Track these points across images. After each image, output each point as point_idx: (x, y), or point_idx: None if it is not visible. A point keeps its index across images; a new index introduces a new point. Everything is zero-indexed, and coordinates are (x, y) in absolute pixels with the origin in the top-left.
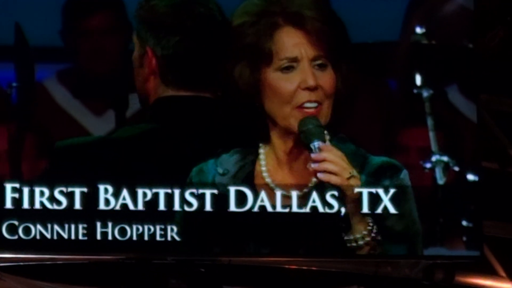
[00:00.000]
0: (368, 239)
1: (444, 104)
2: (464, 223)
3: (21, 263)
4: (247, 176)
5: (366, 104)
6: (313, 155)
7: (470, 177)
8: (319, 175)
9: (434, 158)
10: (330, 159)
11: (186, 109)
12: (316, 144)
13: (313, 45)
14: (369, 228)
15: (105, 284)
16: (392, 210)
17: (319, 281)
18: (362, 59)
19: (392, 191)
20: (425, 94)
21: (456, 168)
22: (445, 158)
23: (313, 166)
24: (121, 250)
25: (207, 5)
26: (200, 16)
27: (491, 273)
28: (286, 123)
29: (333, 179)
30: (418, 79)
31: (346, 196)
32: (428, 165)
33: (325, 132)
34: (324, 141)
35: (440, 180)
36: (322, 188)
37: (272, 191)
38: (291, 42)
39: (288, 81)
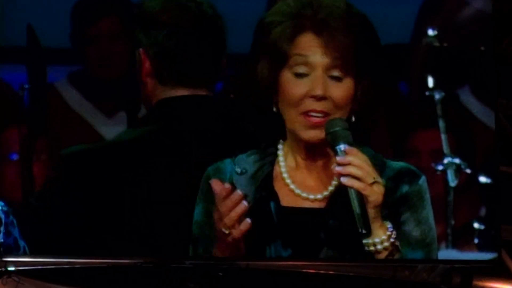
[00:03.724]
0: (386, 244)
1: (456, 106)
2: (476, 225)
3: (39, 267)
4: (266, 176)
5: (377, 107)
6: (338, 158)
7: (483, 179)
8: (342, 179)
9: (446, 161)
10: (355, 163)
11: (192, 109)
12: (342, 147)
13: (331, 55)
14: (389, 233)
15: None
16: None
17: (337, 285)
18: (374, 61)
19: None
20: (437, 96)
21: (468, 171)
22: (457, 160)
23: (337, 169)
24: (138, 254)
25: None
26: (188, 9)
27: (509, 277)
28: (292, 126)
29: (356, 184)
30: (430, 81)
31: (368, 202)
32: (440, 168)
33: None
34: (350, 144)
35: (452, 182)
36: (343, 191)
37: (292, 192)
38: (309, 49)
39: (298, 86)
